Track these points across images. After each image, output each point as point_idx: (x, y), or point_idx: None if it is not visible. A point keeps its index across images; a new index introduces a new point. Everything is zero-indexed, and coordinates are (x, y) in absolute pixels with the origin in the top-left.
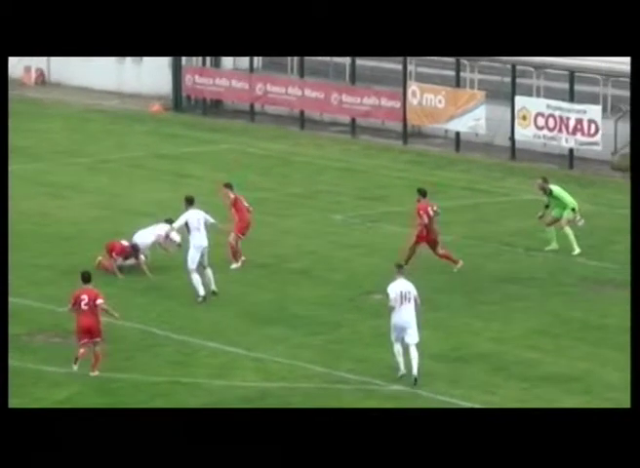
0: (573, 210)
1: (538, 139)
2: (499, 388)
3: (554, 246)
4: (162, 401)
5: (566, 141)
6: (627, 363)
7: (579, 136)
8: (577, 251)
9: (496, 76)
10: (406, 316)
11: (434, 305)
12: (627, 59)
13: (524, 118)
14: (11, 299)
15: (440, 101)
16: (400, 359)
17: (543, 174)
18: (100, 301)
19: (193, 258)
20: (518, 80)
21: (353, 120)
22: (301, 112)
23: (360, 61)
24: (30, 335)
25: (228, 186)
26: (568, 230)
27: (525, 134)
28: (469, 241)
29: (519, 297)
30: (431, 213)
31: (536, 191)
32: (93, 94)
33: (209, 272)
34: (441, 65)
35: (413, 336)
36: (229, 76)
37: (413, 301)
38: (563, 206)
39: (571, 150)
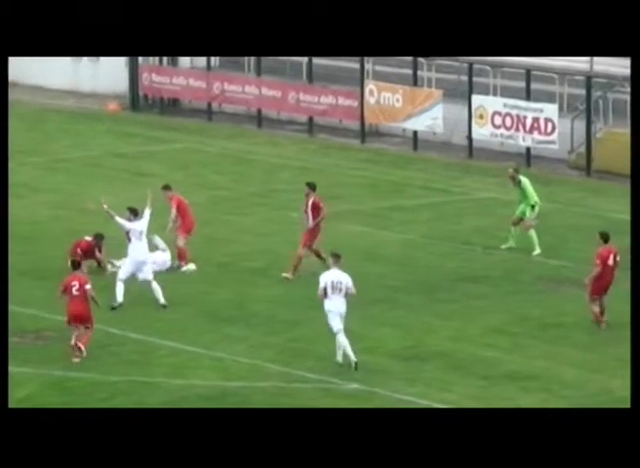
0: (532, 207)
1: (495, 138)
2: (456, 386)
3: (511, 244)
4: (121, 400)
5: (523, 140)
6: (584, 360)
7: (535, 135)
8: (537, 251)
9: (453, 75)
10: (337, 305)
11: (393, 304)
12: (584, 58)
13: (481, 117)
14: None
15: (397, 100)
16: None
17: (501, 172)
18: (88, 287)
19: (125, 270)
20: (475, 79)
21: (310, 119)
22: (259, 111)
23: (317, 60)
24: None
25: (167, 188)
26: (532, 231)
27: (482, 132)
28: (428, 240)
29: (477, 296)
30: (611, 262)
31: (506, 181)
32: (49, 93)
33: (154, 285)
34: (398, 64)
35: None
36: (186, 75)
37: (344, 292)
38: (526, 200)
39: (528, 149)
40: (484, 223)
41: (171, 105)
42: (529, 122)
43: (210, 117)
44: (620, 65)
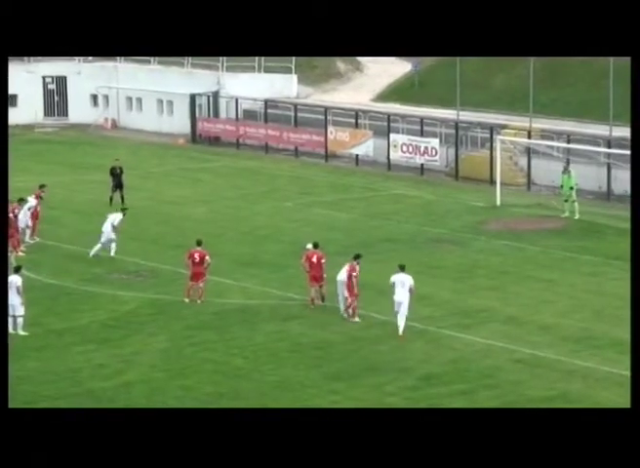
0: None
1: (403, 159)
2: (382, 305)
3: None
4: (188, 310)
5: (419, 160)
6: (456, 287)
7: (426, 157)
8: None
9: (379, 121)
10: (398, 296)
11: (347, 256)
12: (453, 111)
13: (395, 146)
14: None
15: (346, 137)
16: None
17: (407, 180)
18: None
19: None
20: (392, 124)
21: (296, 148)
22: (266, 143)
23: (300, 114)
24: None
25: (41, 187)
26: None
27: (395, 155)
28: (366, 218)
29: (393, 250)
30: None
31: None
32: (144, 133)
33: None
34: (347, 116)
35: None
36: (224, 122)
37: (407, 287)
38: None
39: (422, 165)
40: (396, 207)
41: (214, 141)
42: (422, 149)
43: (237, 147)
44: (475, 115)
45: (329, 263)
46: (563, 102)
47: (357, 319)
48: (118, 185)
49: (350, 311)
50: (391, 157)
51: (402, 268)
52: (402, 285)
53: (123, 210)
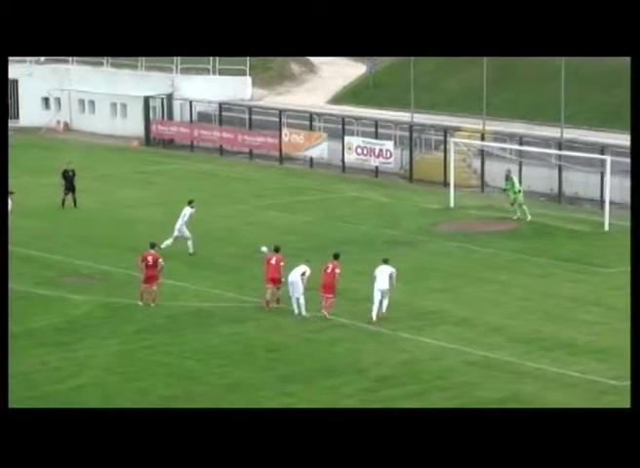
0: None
1: (357, 161)
2: (337, 307)
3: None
4: (140, 314)
5: (374, 162)
6: (410, 289)
7: (381, 159)
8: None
9: (333, 124)
10: (380, 284)
11: (300, 258)
12: (407, 114)
13: (349, 149)
14: None
15: (301, 139)
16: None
17: (362, 182)
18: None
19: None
20: (346, 127)
21: (251, 151)
22: (220, 146)
23: (254, 116)
24: None
25: (10, 194)
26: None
27: (350, 158)
28: (321, 219)
29: (349, 252)
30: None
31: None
32: (97, 135)
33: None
34: (301, 118)
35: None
36: (178, 125)
37: (387, 273)
38: (513, 189)
39: (376, 167)
40: (351, 210)
41: (168, 143)
42: (377, 151)
43: (192, 150)
44: (429, 118)
45: (287, 266)
46: (516, 104)
47: (329, 316)
48: (70, 188)
49: (326, 309)
50: (346, 159)
51: (385, 262)
52: (382, 273)
53: (190, 203)
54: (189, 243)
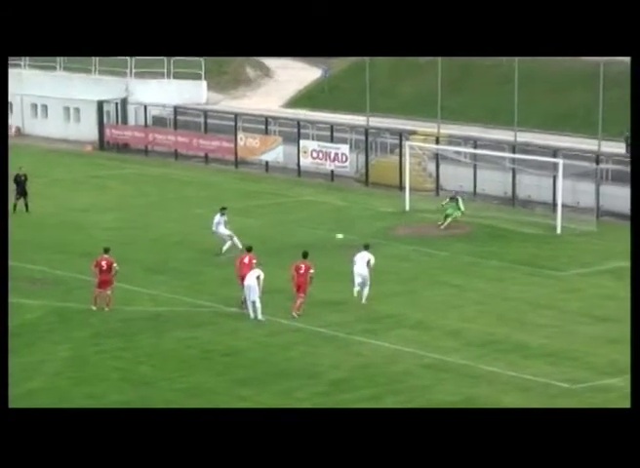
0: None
1: (313, 165)
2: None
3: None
4: (94, 318)
5: (329, 166)
6: (371, 292)
7: (336, 163)
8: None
9: (288, 128)
10: (359, 268)
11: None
12: (363, 117)
13: (305, 152)
14: None
15: (256, 143)
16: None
17: (317, 186)
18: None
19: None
20: (302, 131)
21: (206, 155)
22: (175, 150)
23: (210, 120)
24: None
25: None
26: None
27: (306, 161)
28: (276, 224)
29: (300, 256)
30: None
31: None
32: (49, 140)
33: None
34: (257, 122)
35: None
36: (132, 129)
37: (365, 260)
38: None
39: (332, 171)
40: (306, 214)
41: (123, 147)
42: (332, 155)
43: (146, 154)
44: (384, 121)
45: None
46: (470, 108)
47: (296, 316)
48: (22, 193)
49: (297, 308)
50: (301, 163)
51: (366, 247)
52: (362, 258)
53: (222, 210)
54: (235, 239)
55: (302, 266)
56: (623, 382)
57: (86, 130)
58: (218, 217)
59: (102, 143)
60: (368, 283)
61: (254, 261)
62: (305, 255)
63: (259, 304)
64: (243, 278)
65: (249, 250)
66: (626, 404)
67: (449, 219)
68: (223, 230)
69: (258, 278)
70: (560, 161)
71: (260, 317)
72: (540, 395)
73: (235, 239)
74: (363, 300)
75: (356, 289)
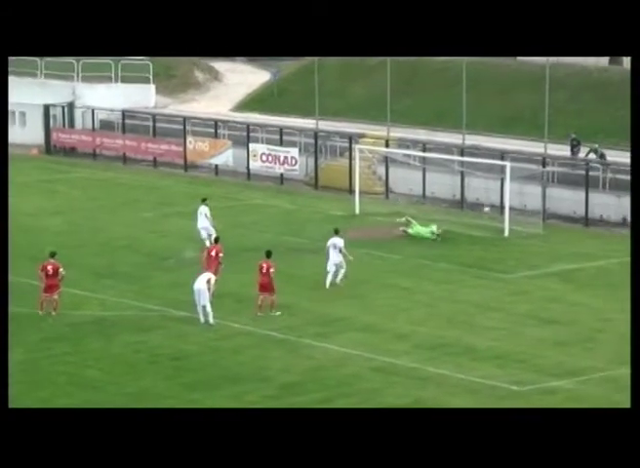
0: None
1: (263, 168)
2: (241, 315)
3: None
4: (45, 324)
5: (279, 169)
6: (316, 296)
7: (286, 166)
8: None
9: (238, 131)
10: (333, 258)
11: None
12: (313, 121)
13: (254, 156)
14: None
15: (206, 147)
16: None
17: (267, 189)
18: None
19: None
20: (251, 134)
21: (155, 158)
22: (124, 154)
23: (158, 124)
24: None
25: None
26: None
27: (255, 165)
28: (226, 228)
29: (254, 259)
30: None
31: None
32: None
33: None
34: (206, 126)
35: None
36: (79, 133)
37: (338, 248)
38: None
39: (282, 174)
40: (255, 218)
41: (70, 151)
42: (282, 159)
43: (94, 158)
44: (334, 124)
45: (186, 272)
46: (419, 111)
47: (278, 312)
48: None
49: (269, 307)
50: (251, 167)
51: (336, 232)
52: (334, 247)
53: (203, 201)
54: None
55: (264, 265)
56: (570, 384)
57: (32, 134)
58: (201, 208)
59: (49, 147)
60: (343, 266)
61: (220, 255)
62: (269, 255)
63: (209, 309)
64: (216, 273)
65: (216, 241)
66: (573, 405)
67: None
68: (205, 222)
69: (208, 282)
70: (508, 164)
71: (210, 321)
72: (489, 397)
73: (212, 230)
74: (338, 281)
75: (329, 277)
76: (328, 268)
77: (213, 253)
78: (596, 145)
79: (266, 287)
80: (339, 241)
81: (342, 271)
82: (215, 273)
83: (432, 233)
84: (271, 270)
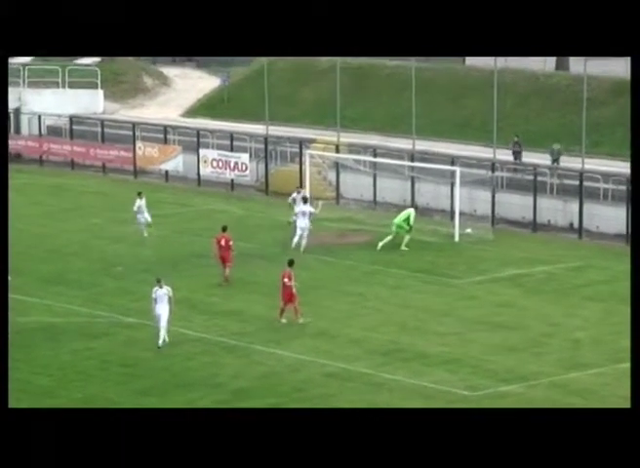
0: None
1: (213, 174)
2: (192, 321)
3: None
4: None
5: (229, 175)
6: (268, 302)
7: (237, 172)
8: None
9: (188, 137)
10: (301, 222)
11: (158, 272)
12: (262, 126)
13: (205, 162)
14: None
15: (155, 152)
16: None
17: (218, 195)
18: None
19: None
20: (201, 139)
21: (104, 164)
22: (72, 160)
23: (107, 129)
24: None
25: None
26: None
27: (205, 171)
28: (176, 234)
29: (204, 265)
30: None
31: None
32: None
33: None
34: (155, 131)
35: None
36: (26, 139)
37: (307, 214)
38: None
39: (232, 180)
40: (207, 224)
41: (16, 157)
42: (232, 164)
43: (41, 164)
44: (284, 130)
45: (135, 279)
46: (369, 116)
47: (302, 320)
48: None
49: (291, 313)
50: (201, 172)
51: (305, 200)
52: (303, 214)
53: (139, 194)
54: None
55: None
56: (521, 389)
57: None
58: (138, 202)
59: None
60: (305, 234)
61: (230, 243)
62: (291, 264)
63: (164, 333)
64: (222, 259)
65: (224, 229)
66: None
67: (406, 239)
68: (145, 216)
69: (169, 300)
70: (457, 169)
71: (166, 339)
72: (441, 402)
73: (147, 218)
74: (302, 250)
75: (295, 239)
76: (297, 233)
77: (222, 243)
78: (559, 146)
79: (287, 296)
80: (307, 208)
81: (304, 241)
82: (228, 260)
83: (406, 222)
84: (285, 280)
